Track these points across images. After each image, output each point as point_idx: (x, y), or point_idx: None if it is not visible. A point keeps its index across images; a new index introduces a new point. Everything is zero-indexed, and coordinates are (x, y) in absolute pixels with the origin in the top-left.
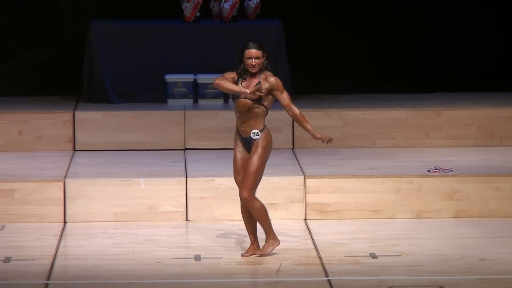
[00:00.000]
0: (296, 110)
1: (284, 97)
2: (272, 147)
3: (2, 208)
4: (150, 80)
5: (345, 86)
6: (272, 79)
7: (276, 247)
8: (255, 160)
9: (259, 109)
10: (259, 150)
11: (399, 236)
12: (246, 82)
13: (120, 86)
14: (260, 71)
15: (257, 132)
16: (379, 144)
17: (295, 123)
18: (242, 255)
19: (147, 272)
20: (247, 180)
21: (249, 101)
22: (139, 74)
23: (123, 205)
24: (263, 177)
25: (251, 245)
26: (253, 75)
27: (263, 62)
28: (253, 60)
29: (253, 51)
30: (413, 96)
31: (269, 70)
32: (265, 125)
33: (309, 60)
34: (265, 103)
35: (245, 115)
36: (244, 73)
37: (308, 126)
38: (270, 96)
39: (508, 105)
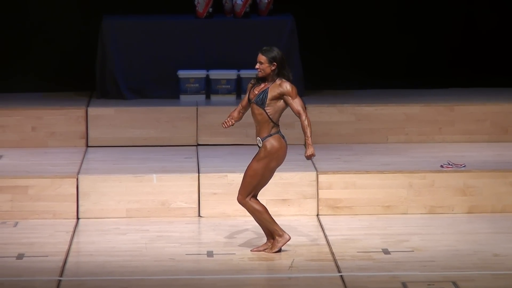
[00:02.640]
0: (304, 119)
1: (296, 102)
2: (280, 155)
3: (16, 205)
4: (162, 76)
5: (358, 82)
6: (285, 85)
7: (287, 242)
8: (252, 164)
9: (261, 116)
10: (259, 155)
11: (412, 232)
12: (259, 87)
13: (132, 82)
14: (272, 77)
15: (259, 140)
16: (391, 140)
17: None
18: (251, 250)
19: (159, 268)
20: (241, 183)
21: (255, 106)
22: (151, 70)
23: (135, 201)
24: (275, 174)
25: (266, 242)
26: (263, 80)
27: (272, 70)
28: (257, 64)
29: (258, 56)
30: (426, 92)
31: (285, 78)
32: (275, 132)
33: (322, 56)
34: (267, 109)
35: (255, 121)
36: (258, 79)
37: (308, 137)
38: (277, 103)
39: None
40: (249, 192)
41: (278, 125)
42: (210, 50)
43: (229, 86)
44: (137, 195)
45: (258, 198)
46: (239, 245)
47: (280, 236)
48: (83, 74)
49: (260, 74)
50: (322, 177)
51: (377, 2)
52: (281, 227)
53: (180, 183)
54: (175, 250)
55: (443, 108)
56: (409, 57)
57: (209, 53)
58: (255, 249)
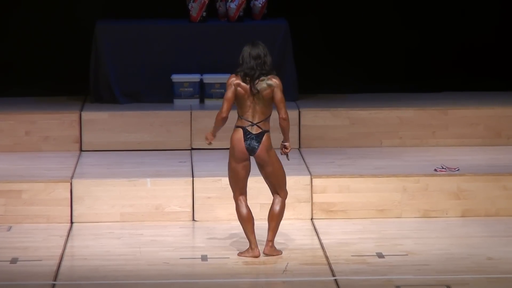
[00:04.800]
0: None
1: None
2: (235, 149)
3: (9, 209)
4: (156, 80)
5: (352, 86)
6: None
7: (249, 257)
8: (272, 158)
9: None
10: (268, 147)
11: (406, 236)
12: None
13: (126, 86)
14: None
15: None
16: (385, 144)
17: (301, 123)
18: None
19: (153, 272)
20: (278, 183)
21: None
22: (145, 74)
23: (129, 205)
24: None
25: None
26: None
27: None
28: None
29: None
30: (420, 96)
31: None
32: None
33: (316, 60)
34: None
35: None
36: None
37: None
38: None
39: None
40: (233, 191)
41: (239, 118)
42: (204, 54)
43: (223, 90)
44: (131, 199)
45: (251, 200)
46: (233, 249)
47: (249, 249)
48: (77, 78)
49: None
50: (316, 181)
51: (372, 6)
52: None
53: (174, 187)
54: (169, 254)
55: (437, 112)
56: (403, 62)
57: (203, 57)
58: (241, 254)
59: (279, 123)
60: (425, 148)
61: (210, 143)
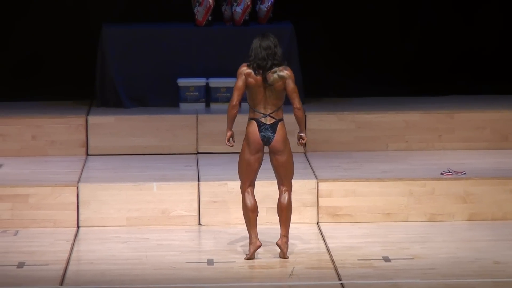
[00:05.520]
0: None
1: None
2: (250, 140)
3: (16, 213)
4: (162, 84)
5: (357, 89)
6: None
7: (254, 251)
8: (286, 151)
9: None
10: (284, 138)
11: (412, 240)
12: None
13: (132, 90)
14: None
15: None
16: (391, 147)
17: (307, 127)
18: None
19: (160, 276)
20: (286, 175)
21: None
22: (151, 78)
23: (136, 210)
24: (274, 182)
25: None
26: None
27: None
28: None
29: None
30: (426, 99)
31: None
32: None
33: (322, 63)
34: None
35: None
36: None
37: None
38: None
39: None
40: (241, 182)
41: (252, 110)
42: (209, 58)
43: (228, 94)
44: (137, 204)
45: (258, 205)
46: (240, 253)
47: (251, 243)
48: (83, 82)
49: None
50: (322, 185)
51: (378, 9)
52: None
53: (180, 191)
54: (175, 258)
55: (443, 116)
56: (409, 64)
57: (209, 61)
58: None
59: (294, 113)
60: (431, 152)
61: (232, 145)
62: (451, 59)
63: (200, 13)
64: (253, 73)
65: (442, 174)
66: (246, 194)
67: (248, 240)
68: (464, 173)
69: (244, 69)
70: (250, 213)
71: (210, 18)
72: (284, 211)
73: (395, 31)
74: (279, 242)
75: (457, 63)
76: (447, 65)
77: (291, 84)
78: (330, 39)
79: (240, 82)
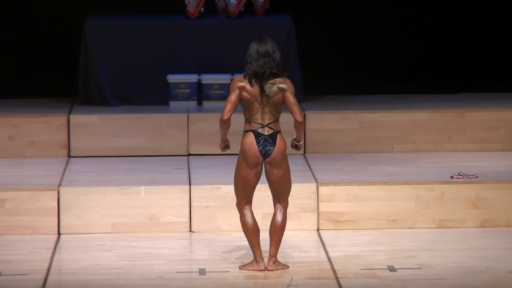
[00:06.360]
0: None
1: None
2: (247, 154)
3: None
4: (150, 81)
5: (361, 86)
6: None
7: (253, 271)
8: (283, 167)
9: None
10: (283, 154)
11: (419, 248)
12: None
13: (118, 88)
14: None
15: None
16: (397, 149)
17: (307, 126)
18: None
19: (148, 287)
20: (283, 193)
21: None
22: (139, 75)
23: (122, 216)
24: None
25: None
26: None
27: None
28: None
29: None
30: (435, 97)
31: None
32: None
33: (322, 59)
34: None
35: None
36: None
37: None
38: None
39: None
40: (238, 198)
41: (248, 122)
42: (202, 53)
43: (222, 92)
44: (124, 209)
45: (253, 210)
46: (233, 262)
47: (254, 262)
48: (65, 79)
49: None
50: (322, 189)
51: (382, 3)
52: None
53: (170, 196)
54: (164, 268)
55: (453, 115)
56: (416, 61)
57: (201, 56)
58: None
59: (295, 126)
60: (440, 154)
61: (225, 150)
62: (462, 55)
63: (192, 4)
64: (248, 85)
65: (452, 177)
66: (244, 212)
67: (244, 250)
68: (476, 177)
69: (238, 83)
70: (252, 235)
71: (202, 9)
72: (277, 232)
73: (401, 25)
74: (270, 267)
75: (468, 59)
76: (457, 61)
77: (290, 98)
78: (330, 33)
79: (233, 96)
